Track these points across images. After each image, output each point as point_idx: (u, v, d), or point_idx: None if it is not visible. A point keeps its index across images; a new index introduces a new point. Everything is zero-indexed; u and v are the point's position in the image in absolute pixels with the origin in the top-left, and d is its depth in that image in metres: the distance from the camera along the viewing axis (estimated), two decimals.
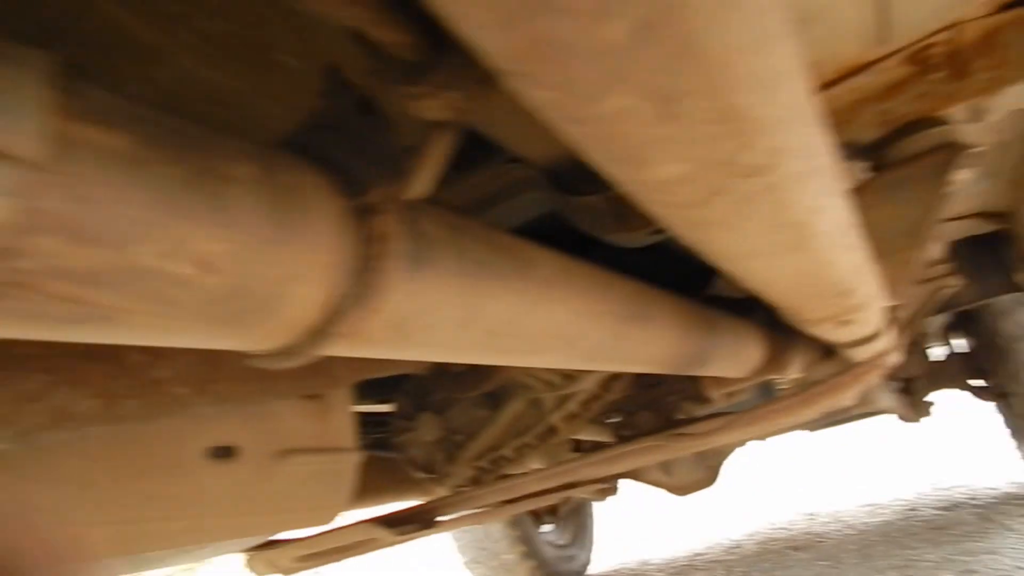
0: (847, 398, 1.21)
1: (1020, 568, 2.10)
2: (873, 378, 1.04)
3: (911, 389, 3.00)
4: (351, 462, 1.00)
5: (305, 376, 0.70)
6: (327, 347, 0.40)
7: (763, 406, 0.97)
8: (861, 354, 1.05)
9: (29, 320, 0.27)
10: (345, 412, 1.00)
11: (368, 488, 1.74)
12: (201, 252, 0.29)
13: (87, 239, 0.25)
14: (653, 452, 1.02)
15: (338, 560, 1.20)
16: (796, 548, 3.21)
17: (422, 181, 0.39)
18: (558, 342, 0.64)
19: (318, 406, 0.95)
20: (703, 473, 2.80)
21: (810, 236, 0.38)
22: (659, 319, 0.86)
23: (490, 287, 0.50)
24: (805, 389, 0.96)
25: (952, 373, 2.98)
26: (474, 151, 1.02)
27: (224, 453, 0.81)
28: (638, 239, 1.09)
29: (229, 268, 0.31)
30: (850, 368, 0.96)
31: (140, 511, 0.72)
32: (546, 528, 3.28)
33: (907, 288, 0.97)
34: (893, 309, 1.04)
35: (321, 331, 0.39)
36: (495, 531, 2.89)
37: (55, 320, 0.27)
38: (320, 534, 1.10)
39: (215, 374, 0.61)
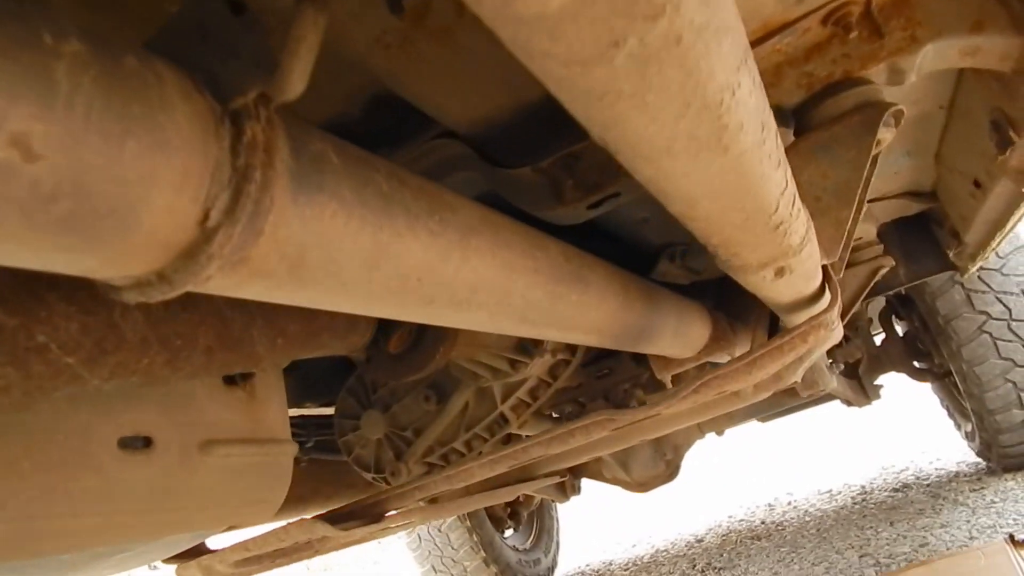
0: (792, 367, 1.21)
1: (974, 538, 2.14)
2: (817, 342, 1.04)
3: (856, 373, 3.05)
4: (287, 454, 0.95)
5: (219, 350, 0.65)
6: (211, 275, 0.36)
7: (711, 372, 0.95)
8: (803, 318, 1.05)
9: None
10: (277, 402, 0.95)
11: (316, 493, 1.68)
12: (17, 130, 0.25)
13: None
14: (603, 426, 0.99)
15: (282, 564, 1.14)
16: (757, 537, 3.23)
17: (295, 77, 0.35)
18: (487, 297, 0.61)
19: (246, 395, 0.90)
20: (662, 468, 2.80)
21: (728, 128, 0.36)
22: (597, 285, 0.84)
23: (400, 225, 0.47)
24: (751, 354, 0.95)
25: (895, 356, 3.04)
26: (401, 127, 0.98)
27: (140, 443, 0.75)
28: (574, 215, 1.06)
29: (57, 155, 0.27)
30: (793, 330, 0.95)
31: (42, 507, 0.65)
32: (508, 533, 3.23)
33: (843, 248, 0.97)
34: (831, 269, 1.04)
35: (197, 251, 0.35)
36: (456, 538, 2.83)
37: None
38: (258, 536, 1.04)
39: (110, 343, 0.56)
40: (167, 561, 1.07)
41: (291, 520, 1.06)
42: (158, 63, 0.33)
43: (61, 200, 0.29)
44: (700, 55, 0.28)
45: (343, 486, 1.69)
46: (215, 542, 1.14)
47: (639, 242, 1.50)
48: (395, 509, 1.14)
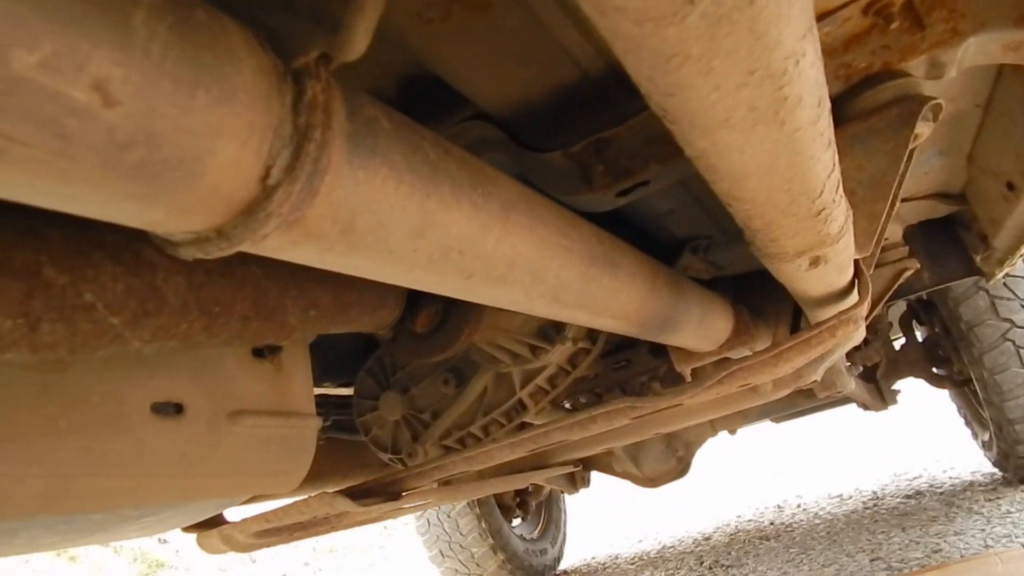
0: (814, 365, 1.20)
1: (990, 546, 2.12)
2: (844, 338, 1.03)
3: (874, 376, 3.03)
4: (311, 428, 0.96)
5: (254, 318, 0.66)
6: (267, 233, 0.37)
7: (737, 363, 0.95)
8: (830, 313, 1.04)
9: None
10: (303, 376, 0.96)
11: (333, 471, 1.69)
12: (99, 75, 0.26)
13: None
14: (626, 413, 0.99)
15: (300, 538, 1.15)
16: (766, 538, 3.22)
17: (358, 37, 0.36)
18: (523, 273, 0.61)
19: (273, 367, 0.91)
20: (673, 465, 2.79)
21: (787, 100, 0.35)
22: (628, 269, 0.84)
23: (445, 194, 0.47)
24: (778, 346, 0.94)
25: (914, 361, 3.02)
26: (432, 106, 0.98)
27: (172, 409, 0.76)
28: (603, 202, 1.06)
29: (134, 102, 0.27)
30: (822, 324, 0.95)
31: (76, 465, 0.67)
32: (516, 522, 3.24)
33: (875, 243, 0.96)
34: (862, 264, 1.03)
35: (257, 208, 0.35)
36: (464, 524, 2.85)
37: None
38: (279, 508, 1.05)
39: (153, 306, 0.56)
40: (188, 529, 1.09)
41: (311, 494, 1.07)
42: (225, 17, 0.33)
43: (134, 148, 0.29)
44: (771, 18, 0.28)
45: (359, 465, 1.70)
46: (233, 513, 1.15)
47: (662, 234, 1.50)
48: (412, 488, 1.15)
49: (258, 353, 0.89)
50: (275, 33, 0.36)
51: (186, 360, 0.78)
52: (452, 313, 1.06)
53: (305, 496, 1.03)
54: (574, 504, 4.05)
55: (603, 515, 5.49)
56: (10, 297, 0.47)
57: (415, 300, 1.08)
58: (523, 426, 1.52)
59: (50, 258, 0.51)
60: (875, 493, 3.60)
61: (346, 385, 1.67)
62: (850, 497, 3.70)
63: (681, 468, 2.71)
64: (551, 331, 1.35)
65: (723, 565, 2.88)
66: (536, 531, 3.40)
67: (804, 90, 0.36)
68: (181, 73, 0.29)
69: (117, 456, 0.70)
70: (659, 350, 1.77)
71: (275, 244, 0.39)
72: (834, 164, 0.50)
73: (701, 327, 1.25)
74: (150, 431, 0.73)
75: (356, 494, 1.06)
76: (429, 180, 0.46)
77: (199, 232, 0.36)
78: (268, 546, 1.12)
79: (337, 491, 1.05)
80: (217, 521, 1.13)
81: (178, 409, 0.77)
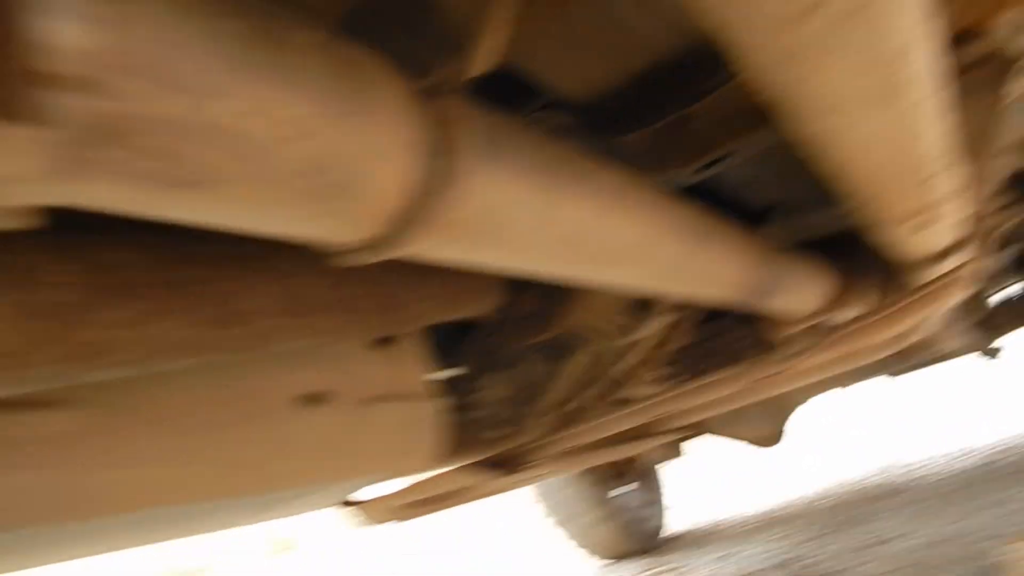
0: (930, 319, 1.17)
1: None
2: (952, 295, 1.01)
3: (985, 327, 2.90)
4: (435, 410, 1.02)
5: (385, 310, 0.72)
6: (416, 238, 0.41)
7: (853, 322, 0.95)
8: (939, 271, 1.02)
9: (125, 180, 0.27)
10: (421, 360, 1.02)
11: (450, 450, 1.77)
12: (278, 116, 0.31)
13: (168, 84, 0.26)
14: (738, 379, 1.01)
15: (444, 508, 1.24)
16: (876, 499, 3.14)
17: (484, 56, 0.39)
18: (637, 254, 0.64)
19: (398, 353, 0.97)
20: (774, 427, 2.77)
21: (899, 84, 0.37)
22: (725, 240, 0.85)
23: (565, 185, 0.51)
24: (893, 303, 0.93)
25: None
26: (508, 98, 1.01)
27: (314, 400, 0.84)
28: (685, 177, 1.07)
29: (302, 136, 0.32)
30: (929, 284, 0.93)
31: (238, 454, 0.75)
32: (620, 490, 3.29)
33: (978, 199, 0.93)
34: (968, 221, 1.00)
35: (409, 218, 0.40)
36: (573, 493, 2.96)
37: (149, 180, 0.28)
38: (423, 481, 1.13)
39: (298, 307, 0.63)
40: (345, 505, 1.19)
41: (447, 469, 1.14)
42: (363, 46, 0.38)
43: (307, 175, 0.34)
44: (889, 12, 0.30)
45: (464, 444, 1.78)
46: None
47: (746, 203, 1.48)
48: (529, 462, 1.21)
49: (381, 342, 0.96)
50: (404, 55, 0.40)
51: (321, 353, 0.86)
52: (552, 294, 1.10)
53: (438, 471, 1.10)
54: (674, 471, 4.05)
55: (707, 481, 5.46)
56: (181, 309, 0.54)
57: (515, 283, 1.13)
58: (625, 400, 1.55)
59: (216, 271, 0.58)
60: (988, 453, 3.43)
61: (449, 366, 1.73)
62: (968, 455, 3.54)
63: (777, 432, 2.68)
64: (644, 305, 1.37)
65: (834, 526, 2.83)
66: (639, 499, 3.43)
67: (918, 71, 0.37)
68: (336, 105, 0.34)
69: (272, 445, 0.78)
70: (750, 318, 1.76)
71: (421, 247, 0.44)
72: (945, 133, 0.50)
73: (800, 290, 1.24)
74: (298, 421, 0.81)
75: (489, 466, 1.13)
76: (551, 173, 0.49)
77: (355, 243, 0.41)
78: (420, 515, 1.21)
79: (473, 464, 1.11)
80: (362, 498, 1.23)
81: (320, 399, 0.84)
